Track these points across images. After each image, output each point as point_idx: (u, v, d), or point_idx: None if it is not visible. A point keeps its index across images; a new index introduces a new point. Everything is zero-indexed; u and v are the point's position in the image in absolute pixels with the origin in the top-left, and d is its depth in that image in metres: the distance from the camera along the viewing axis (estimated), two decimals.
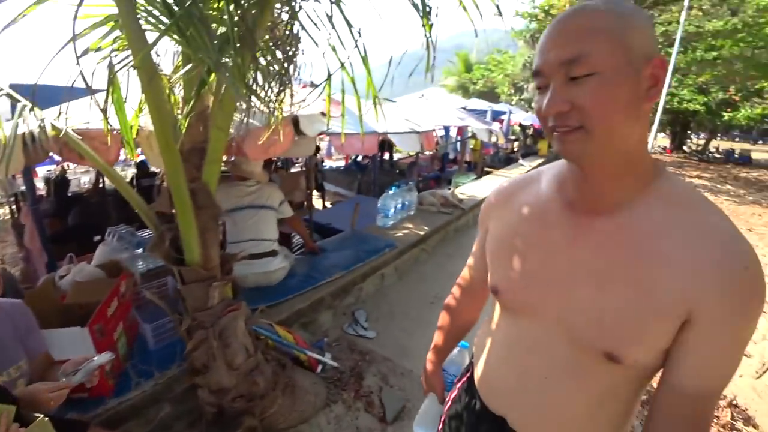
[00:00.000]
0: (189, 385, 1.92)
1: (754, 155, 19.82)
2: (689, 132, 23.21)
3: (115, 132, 1.65)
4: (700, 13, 14.46)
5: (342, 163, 10.04)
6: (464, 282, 1.04)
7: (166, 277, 2.52)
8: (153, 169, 5.55)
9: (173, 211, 1.54)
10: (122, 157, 2.33)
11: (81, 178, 8.51)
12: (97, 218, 4.56)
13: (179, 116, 1.17)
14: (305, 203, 4.60)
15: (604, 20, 0.54)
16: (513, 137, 12.37)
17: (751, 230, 7.16)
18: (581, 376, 0.68)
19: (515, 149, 12.95)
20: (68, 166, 6.70)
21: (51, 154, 1.94)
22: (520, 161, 10.79)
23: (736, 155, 18.52)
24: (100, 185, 5.63)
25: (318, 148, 6.83)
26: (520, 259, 0.74)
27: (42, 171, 7.42)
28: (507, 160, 11.45)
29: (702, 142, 21.82)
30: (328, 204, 7.47)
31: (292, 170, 7.26)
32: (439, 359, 1.11)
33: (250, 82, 1.25)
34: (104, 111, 1.10)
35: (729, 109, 15.31)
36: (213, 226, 1.67)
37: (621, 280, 0.61)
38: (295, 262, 3.10)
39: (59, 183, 5.36)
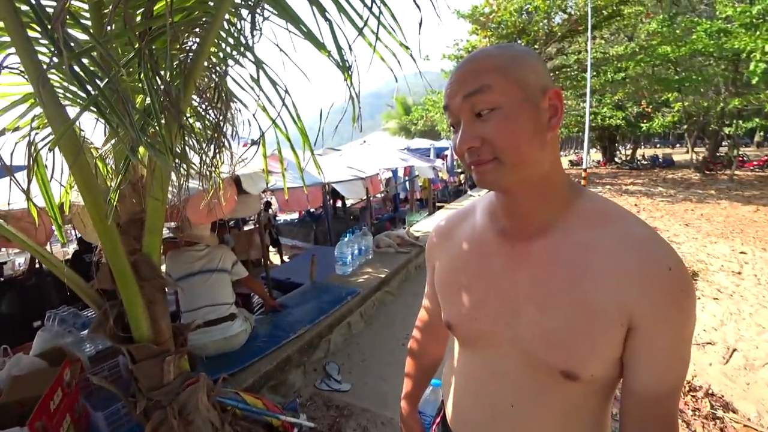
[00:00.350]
0: None
1: (676, 158, 22.01)
2: (616, 144, 25.48)
3: (41, 211, 1.58)
4: (603, 41, 16.42)
5: (296, 216, 10.03)
6: (422, 322, 1.05)
7: (117, 358, 2.33)
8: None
9: (115, 286, 1.47)
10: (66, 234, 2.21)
11: (15, 259, 7.83)
12: (36, 302, 4.22)
13: (111, 188, 1.15)
14: (262, 260, 4.50)
15: (499, 60, 0.61)
16: (459, 170, 13.01)
17: (688, 225, 7.81)
18: (546, 399, 0.69)
19: (462, 182, 13.58)
20: None
21: None
22: (469, 192, 11.32)
23: (660, 160, 20.48)
24: (37, 266, 5.20)
25: (269, 203, 6.83)
26: (466, 292, 0.76)
27: None
28: (456, 192, 11.97)
29: (629, 152, 23.95)
30: (286, 258, 7.33)
31: (246, 228, 7.12)
32: (413, 404, 1.10)
33: (182, 148, 1.26)
34: (26, 191, 1.06)
35: (645, 120, 17.09)
36: (160, 298, 1.60)
37: (559, 299, 0.64)
38: (256, 323, 2.98)
39: None
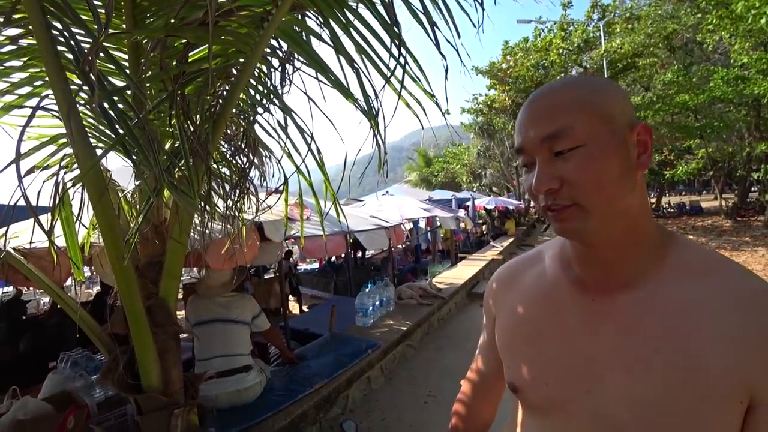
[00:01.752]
0: None
1: (704, 204, 21.31)
2: None
3: (61, 250, 1.58)
4: None
5: (317, 265, 9.99)
6: (475, 377, 0.91)
7: (125, 406, 2.22)
8: None
9: (128, 331, 1.42)
10: (87, 274, 2.20)
11: (40, 299, 7.95)
12: (55, 343, 4.17)
13: (132, 230, 1.14)
14: (281, 309, 4.41)
15: (581, 93, 0.54)
16: (480, 221, 12.91)
17: None
18: None
19: (485, 232, 13.40)
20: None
21: None
22: (491, 243, 11.08)
23: (687, 207, 19.83)
24: (59, 306, 5.21)
25: (291, 252, 6.83)
26: (534, 351, 0.65)
27: None
28: (478, 243, 11.76)
29: (654, 200, 23.44)
30: (305, 308, 7.20)
31: (266, 276, 7.10)
32: None
33: (207, 191, 1.26)
34: (48, 231, 1.05)
35: (668, 168, 16.85)
36: (173, 346, 1.53)
37: (657, 365, 0.52)
38: (271, 375, 2.83)
39: (12, 305, 4.93)
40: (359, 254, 9.52)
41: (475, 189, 20.46)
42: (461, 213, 8.68)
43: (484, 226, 13.75)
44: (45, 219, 1.11)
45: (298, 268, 8.87)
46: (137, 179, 1.15)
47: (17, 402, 2.12)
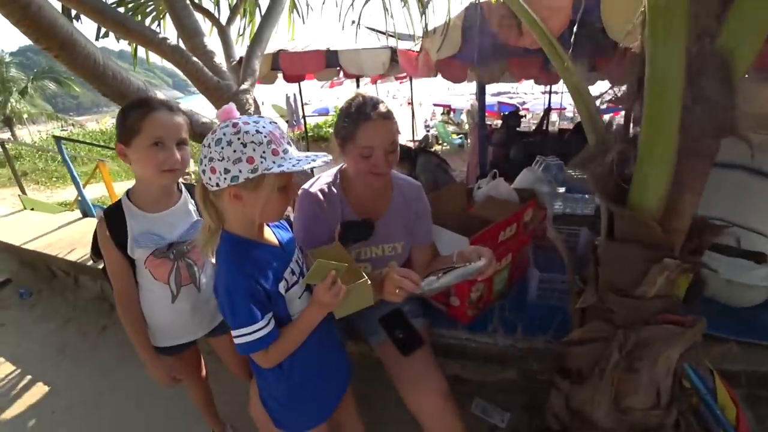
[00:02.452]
0: (546, 373, 1.38)
1: None
2: None
3: None
4: None
5: None
6: None
7: (580, 228, 1.96)
8: None
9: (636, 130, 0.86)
10: None
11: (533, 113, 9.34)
12: (534, 156, 4.70)
13: None
14: None
15: None
16: None
17: None
18: None
19: None
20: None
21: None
22: None
23: None
24: (543, 126, 5.79)
25: None
26: None
27: None
28: None
29: None
30: None
31: None
32: None
33: None
34: None
35: None
36: (700, 177, 0.85)
37: None
38: None
39: (510, 117, 5.90)
40: None
41: None
42: None
43: None
44: None
45: None
46: None
47: (493, 182, 2.33)
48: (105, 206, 1.87)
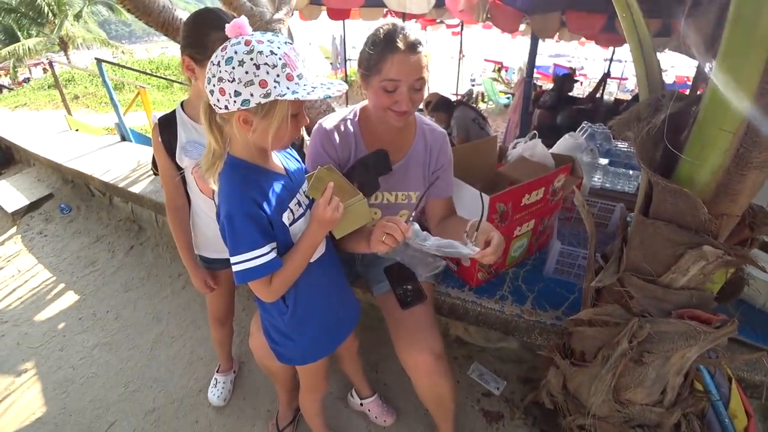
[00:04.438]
0: (548, 349, 1.31)
1: None
2: None
3: None
4: None
5: None
6: None
7: (615, 206, 1.80)
8: None
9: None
10: None
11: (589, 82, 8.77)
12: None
13: None
14: None
15: None
16: None
17: None
18: None
19: None
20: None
21: None
22: None
23: None
24: (598, 94, 5.32)
25: None
26: None
27: None
28: None
29: None
30: None
31: None
32: None
33: None
34: None
35: None
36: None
37: None
38: None
39: (566, 79, 5.43)
40: None
41: None
42: None
43: None
44: None
45: None
46: None
47: (529, 143, 2.16)
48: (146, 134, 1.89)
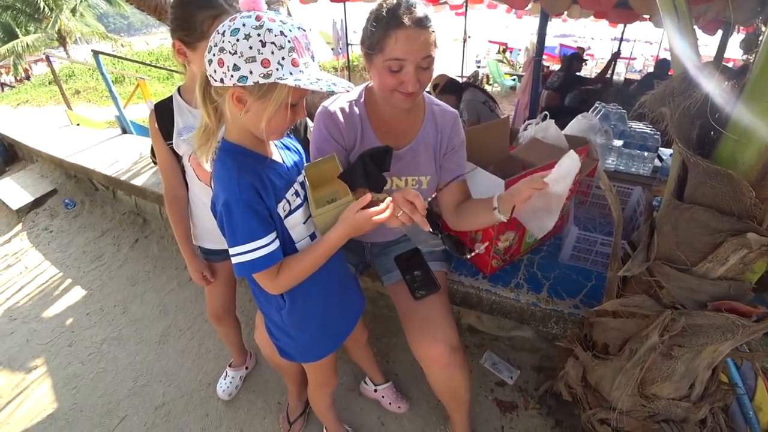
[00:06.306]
0: (566, 340, 1.26)
1: None
2: None
3: None
4: None
5: None
6: None
7: (632, 187, 1.73)
8: None
9: None
10: None
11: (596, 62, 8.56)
12: (591, 105, 4.30)
13: None
14: None
15: None
16: None
17: None
18: None
19: None
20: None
21: None
22: None
23: None
24: (608, 75, 5.16)
25: None
26: None
27: None
28: None
29: None
30: None
31: None
32: None
33: None
34: None
35: None
36: None
37: None
38: None
39: (573, 59, 5.26)
40: None
41: None
42: None
43: None
44: None
45: None
46: None
47: (542, 124, 2.08)
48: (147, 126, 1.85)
